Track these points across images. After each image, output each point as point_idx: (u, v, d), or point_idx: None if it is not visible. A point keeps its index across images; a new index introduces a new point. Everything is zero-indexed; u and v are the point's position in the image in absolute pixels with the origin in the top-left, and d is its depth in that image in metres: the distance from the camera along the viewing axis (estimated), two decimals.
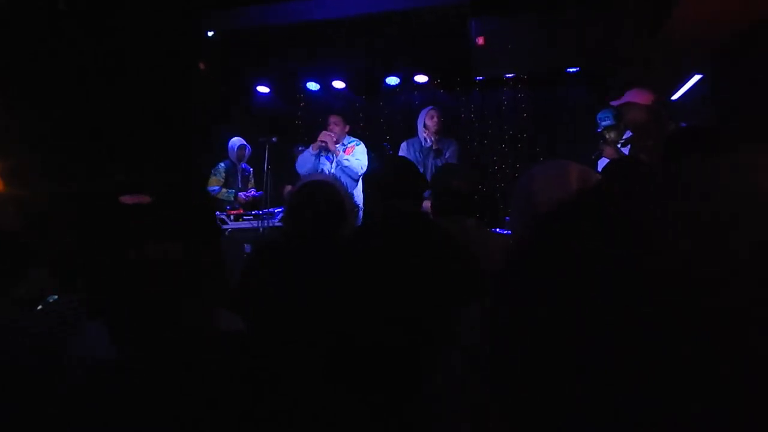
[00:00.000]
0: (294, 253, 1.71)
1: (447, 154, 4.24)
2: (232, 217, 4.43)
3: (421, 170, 3.34)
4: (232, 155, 5.16)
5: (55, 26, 3.97)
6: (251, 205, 5.00)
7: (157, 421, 0.68)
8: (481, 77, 5.61)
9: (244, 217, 4.41)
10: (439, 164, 4.10)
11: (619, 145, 3.52)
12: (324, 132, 4.40)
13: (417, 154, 4.30)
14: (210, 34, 5.05)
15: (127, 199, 0.68)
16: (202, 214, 0.79)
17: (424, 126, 4.32)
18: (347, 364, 1.33)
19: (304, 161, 4.46)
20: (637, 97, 3.44)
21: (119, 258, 0.70)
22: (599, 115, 3.96)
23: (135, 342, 0.85)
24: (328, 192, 1.77)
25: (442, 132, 4.36)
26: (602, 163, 3.50)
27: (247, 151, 5.24)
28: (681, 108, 4.95)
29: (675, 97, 4.99)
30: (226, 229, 4.36)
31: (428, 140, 4.25)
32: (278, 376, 0.71)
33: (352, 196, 1.96)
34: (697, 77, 4.58)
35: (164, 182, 0.77)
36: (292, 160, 4.69)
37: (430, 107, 4.43)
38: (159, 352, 0.77)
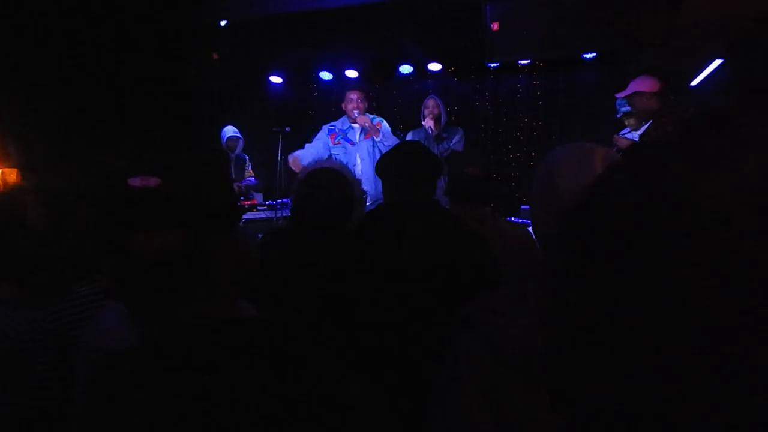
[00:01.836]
0: (303, 242, 1.70)
1: (454, 141, 4.20)
2: (246, 206, 4.45)
3: None
4: (224, 145, 5.15)
5: (64, 17, 3.98)
6: (244, 194, 5.00)
7: (170, 409, 0.68)
8: (495, 64, 5.53)
9: (258, 208, 4.43)
10: (444, 149, 4.07)
11: (633, 135, 3.46)
12: (360, 117, 4.06)
13: (422, 143, 4.24)
14: (223, 23, 5.04)
15: (135, 182, 0.68)
16: (213, 200, 0.78)
17: (423, 116, 4.30)
18: (355, 355, 1.33)
19: (315, 149, 4.08)
20: (642, 85, 3.38)
21: (127, 245, 0.70)
22: (619, 101, 3.90)
23: (150, 329, 0.85)
24: (336, 181, 1.75)
25: (443, 119, 4.31)
26: None
27: (240, 143, 5.20)
28: (701, 94, 4.84)
29: (694, 82, 4.87)
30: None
31: (430, 129, 4.21)
32: (285, 366, 0.70)
33: (360, 182, 1.93)
34: (718, 62, 4.47)
35: (173, 168, 0.76)
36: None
37: (428, 96, 4.39)
38: (172, 340, 0.77)
